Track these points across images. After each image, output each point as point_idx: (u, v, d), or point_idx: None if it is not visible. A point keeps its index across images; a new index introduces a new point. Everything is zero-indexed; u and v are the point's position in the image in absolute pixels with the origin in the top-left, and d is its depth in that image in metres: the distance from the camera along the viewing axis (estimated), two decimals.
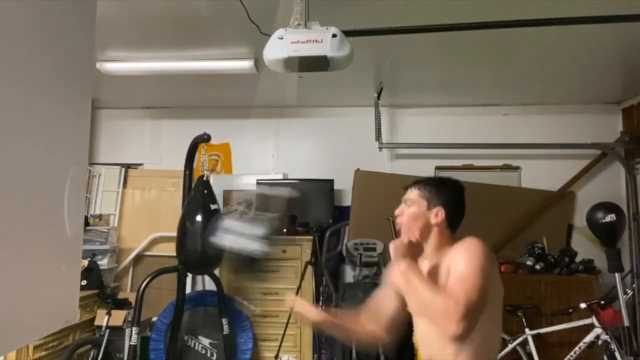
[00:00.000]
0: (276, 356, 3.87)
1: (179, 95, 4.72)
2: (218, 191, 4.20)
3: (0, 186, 1.05)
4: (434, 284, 1.46)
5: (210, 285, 4.15)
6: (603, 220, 3.58)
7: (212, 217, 3.57)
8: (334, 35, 2.04)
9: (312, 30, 2.08)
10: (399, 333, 1.73)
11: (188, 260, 3.60)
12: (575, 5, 2.54)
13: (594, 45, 3.23)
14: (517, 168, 4.77)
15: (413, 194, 1.66)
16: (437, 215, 1.59)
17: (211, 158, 5.03)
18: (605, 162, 4.64)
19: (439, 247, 1.59)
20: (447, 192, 1.64)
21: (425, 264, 1.61)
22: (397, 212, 1.68)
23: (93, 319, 4.05)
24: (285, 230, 4.25)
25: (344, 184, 4.69)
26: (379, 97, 4.46)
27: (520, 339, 3.75)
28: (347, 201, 4.71)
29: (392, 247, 1.54)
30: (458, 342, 1.40)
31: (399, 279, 1.53)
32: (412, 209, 1.63)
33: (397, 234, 1.71)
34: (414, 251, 1.55)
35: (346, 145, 4.86)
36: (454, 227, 1.64)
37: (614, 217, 3.55)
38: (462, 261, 1.43)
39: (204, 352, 4.02)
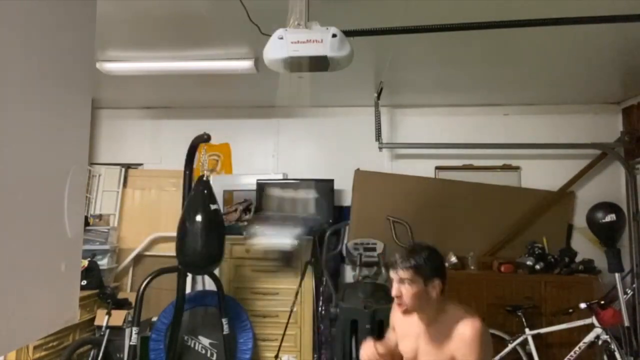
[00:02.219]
0: (276, 356, 3.87)
1: (179, 95, 4.72)
2: (218, 191, 4.20)
3: (0, 186, 1.05)
4: None
5: (210, 285, 4.15)
6: (603, 220, 3.59)
7: (212, 217, 3.57)
8: (334, 35, 2.03)
9: (312, 30, 2.08)
10: None
11: (188, 260, 3.59)
12: (575, 6, 2.54)
13: (594, 45, 3.23)
14: (517, 168, 4.77)
15: (408, 273, 1.73)
16: (435, 287, 1.73)
17: (211, 158, 5.03)
18: (605, 162, 4.65)
19: (437, 311, 1.77)
20: (436, 262, 1.77)
21: (425, 325, 1.80)
22: (395, 292, 1.77)
23: (93, 319, 4.06)
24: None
25: (344, 184, 4.69)
26: (379, 97, 4.46)
27: (520, 339, 3.75)
28: (347, 201, 4.72)
29: (365, 355, 1.83)
30: None
31: None
32: (412, 290, 1.73)
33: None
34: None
35: (346, 145, 4.87)
36: (444, 289, 1.79)
37: (614, 217, 3.55)
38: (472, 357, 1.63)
39: (204, 352, 4.02)
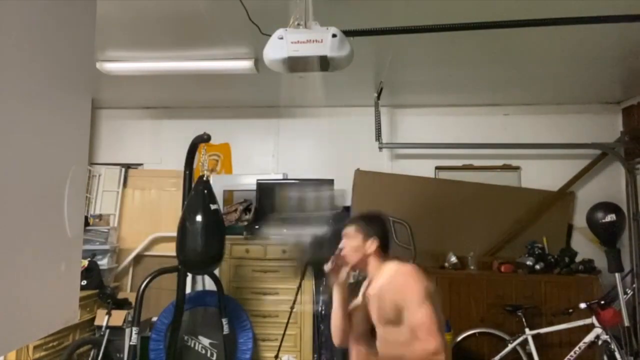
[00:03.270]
0: (276, 356, 3.87)
1: (179, 95, 4.72)
2: (218, 191, 4.20)
3: (0, 186, 1.05)
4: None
5: (210, 285, 4.15)
6: (603, 220, 3.59)
7: (212, 217, 3.57)
8: (334, 35, 2.04)
9: (312, 30, 2.08)
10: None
11: (188, 260, 3.59)
12: (575, 6, 2.54)
13: (594, 45, 3.23)
14: (517, 168, 4.77)
15: (350, 229, 2.03)
16: (373, 244, 1.98)
17: (211, 158, 5.03)
18: (605, 162, 4.65)
19: (375, 267, 1.98)
20: (376, 224, 2.03)
21: (368, 282, 2.02)
22: (340, 245, 2.04)
23: (93, 319, 4.06)
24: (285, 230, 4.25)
25: (344, 184, 4.69)
26: (379, 97, 4.46)
27: (520, 339, 3.75)
28: (347, 201, 4.72)
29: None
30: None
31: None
32: (352, 243, 2.00)
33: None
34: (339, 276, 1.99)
35: (346, 145, 4.87)
36: (386, 251, 2.02)
37: (614, 217, 3.56)
38: (412, 294, 1.78)
39: (204, 352, 4.03)
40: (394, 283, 1.86)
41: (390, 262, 1.96)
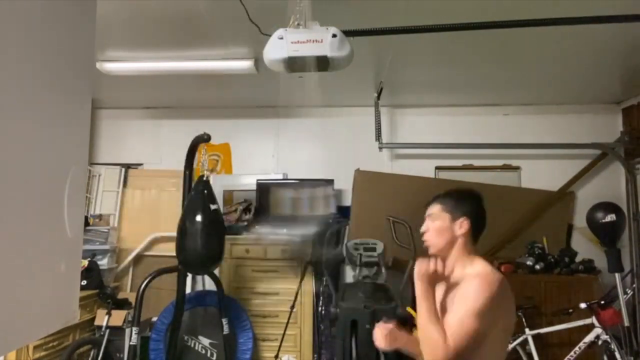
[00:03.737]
0: (276, 356, 3.87)
1: (179, 95, 4.72)
2: (218, 191, 4.20)
3: (0, 186, 1.05)
4: (436, 313, 1.52)
5: (210, 285, 4.15)
6: (603, 220, 3.58)
7: (212, 217, 3.57)
8: (334, 35, 2.04)
9: (312, 30, 2.08)
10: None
11: (188, 260, 3.59)
12: (575, 5, 2.54)
13: (594, 45, 3.23)
14: (517, 168, 4.77)
15: (435, 208, 1.69)
16: (462, 226, 1.63)
17: (211, 158, 5.03)
18: (605, 162, 4.65)
19: (459, 258, 1.63)
20: (467, 202, 1.68)
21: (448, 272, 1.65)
22: (422, 229, 1.72)
23: (93, 319, 4.05)
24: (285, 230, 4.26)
25: (344, 184, 4.69)
26: (379, 97, 4.46)
27: (520, 339, 3.75)
28: (347, 201, 4.71)
29: (417, 268, 1.56)
30: None
31: (416, 291, 1.59)
32: (436, 224, 1.67)
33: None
34: (435, 278, 1.57)
35: (346, 145, 4.86)
36: (476, 239, 1.67)
37: (614, 217, 3.55)
38: (469, 299, 1.47)
39: (204, 352, 4.02)
40: (467, 276, 1.56)
41: (481, 261, 1.60)
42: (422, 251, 1.72)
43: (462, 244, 1.63)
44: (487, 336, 1.47)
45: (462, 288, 1.53)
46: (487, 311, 1.44)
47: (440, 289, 1.64)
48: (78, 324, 3.92)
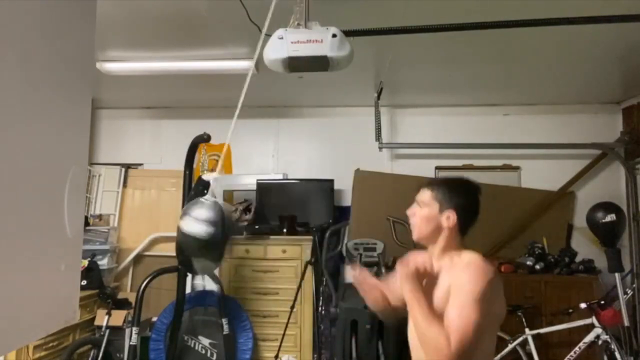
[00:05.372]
0: (276, 356, 3.86)
1: (179, 95, 4.72)
2: (218, 191, 4.19)
3: (0, 186, 1.05)
4: (431, 308, 1.45)
5: (210, 285, 4.15)
6: (603, 220, 3.58)
7: None
8: (334, 35, 2.03)
9: (312, 30, 2.08)
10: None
11: (188, 260, 3.59)
12: (575, 5, 2.54)
13: (594, 45, 3.23)
14: (517, 168, 4.77)
15: (426, 195, 1.62)
16: (449, 219, 1.57)
17: (211, 158, 5.03)
18: (605, 162, 4.65)
19: (445, 249, 1.58)
20: (459, 194, 1.60)
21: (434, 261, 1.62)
22: (409, 212, 1.66)
23: (93, 319, 4.05)
24: (285, 230, 4.27)
25: (344, 184, 4.69)
26: (379, 97, 4.46)
27: (520, 339, 3.75)
28: (347, 201, 4.71)
29: (400, 270, 1.52)
30: None
31: (404, 294, 1.53)
32: (424, 211, 1.61)
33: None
34: (421, 276, 1.52)
35: (346, 145, 4.86)
36: (465, 232, 1.61)
37: (614, 217, 3.55)
38: (465, 289, 1.41)
39: (204, 352, 4.02)
40: (458, 265, 1.51)
41: (470, 252, 1.55)
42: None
43: (448, 235, 1.58)
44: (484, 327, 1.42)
45: (455, 279, 1.46)
46: (485, 299, 1.39)
47: (427, 286, 1.56)
48: (78, 324, 3.92)
